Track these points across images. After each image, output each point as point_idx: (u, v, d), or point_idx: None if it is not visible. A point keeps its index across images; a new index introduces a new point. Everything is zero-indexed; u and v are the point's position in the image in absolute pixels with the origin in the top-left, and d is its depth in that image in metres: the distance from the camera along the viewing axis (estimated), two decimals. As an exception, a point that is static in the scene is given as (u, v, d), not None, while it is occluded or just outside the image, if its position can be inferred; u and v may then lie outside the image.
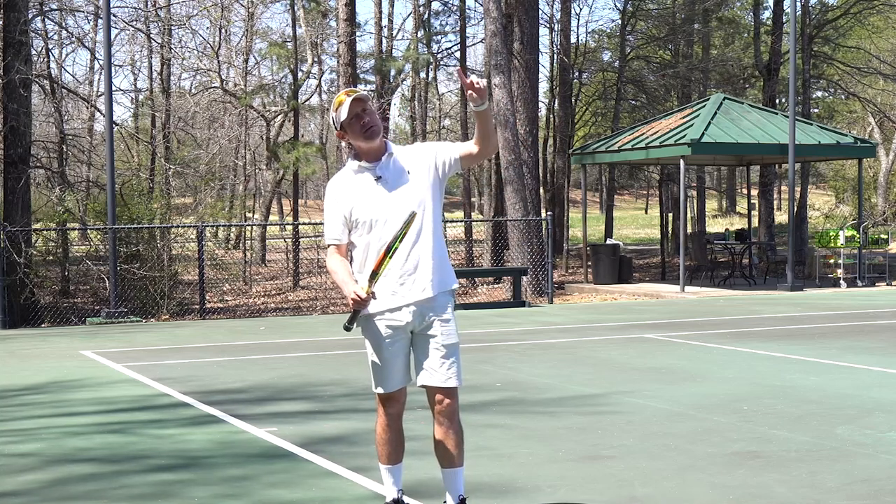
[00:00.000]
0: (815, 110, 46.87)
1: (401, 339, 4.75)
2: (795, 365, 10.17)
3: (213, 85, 32.28)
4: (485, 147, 4.75)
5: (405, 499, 5.03)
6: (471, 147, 4.79)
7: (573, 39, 34.19)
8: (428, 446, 6.21)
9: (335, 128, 4.75)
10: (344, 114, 4.64)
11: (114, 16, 24.67)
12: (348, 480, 5.86)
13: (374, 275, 4.56)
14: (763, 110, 23.35)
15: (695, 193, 35.07)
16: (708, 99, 23.56)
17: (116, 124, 26.21)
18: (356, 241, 4.75)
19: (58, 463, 6.46)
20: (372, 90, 36.85)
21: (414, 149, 4.87)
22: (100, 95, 33.31)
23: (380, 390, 4.80)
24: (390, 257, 4.56)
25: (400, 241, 4.56)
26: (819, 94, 47.63)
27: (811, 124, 23.09)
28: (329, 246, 4.78)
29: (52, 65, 31.37)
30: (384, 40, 31.38)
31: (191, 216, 23.28)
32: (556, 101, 33.23)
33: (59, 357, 11.74)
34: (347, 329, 4.68)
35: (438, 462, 4.88)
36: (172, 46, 30.72)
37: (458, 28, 33.52)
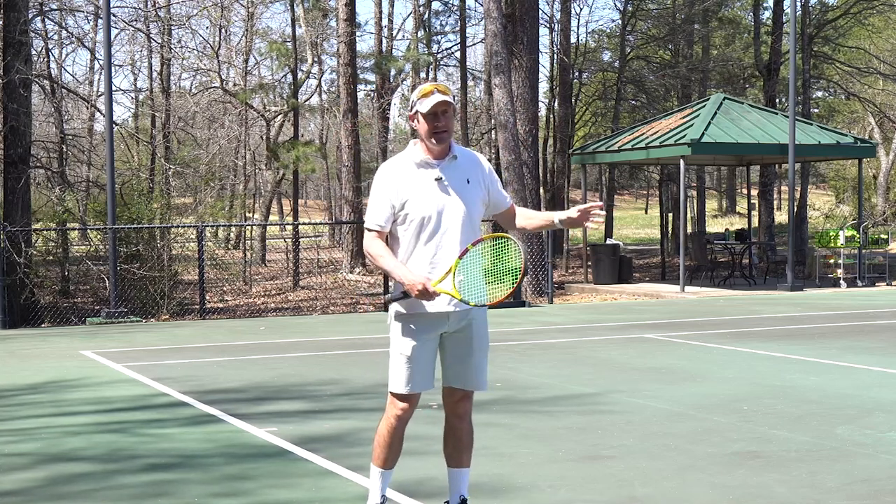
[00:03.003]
0: (815, 110, 46.89)
1: (434, 339, 4.69)
2: (795, 365, 10.17)
3: (213, 85, 32.28)
4: (520, 229, 4.98)
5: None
6: (513, 215, 4.92)
7: (573, 39, 34.21)
8: (427, 446, 6.22)
9: (410, 109, 4.71)
10: (426, 107, 4.59)
11: (114, 16, 24.67)
12: (347, 480, 5.85)
13: (445, 275, 4.52)
14: (763, 110, 23.34)
15: (695, 193, 35.07)
16: (708, 99, 23.55)
17: (116, 124, 26.22)
18: (400, 235, 4.67)
19: (57, 462, 6.45)
20: (372, 90, 36.86)
21: (475, 159, 4.84)
22: (100, 95, 33.31)
23: (406, 390, 4.66)
24: (459, 259, 4.53)
25: (472, 246, 4.56)
26: (819, 94, 47.65)
27: (811, 124, 23.08)
28: (370, 231, 4.66)
29: (52, 65, 31.41)
30: (384, 40, 31.40)
31: (191, 216, 23.27)
32: (556, 101, 33.23)
33: (58, 357, 11.73)
34: (388, 302, 4.62)
35: (446, 461, 4.85)
36: (172, 46, 30.73)
37: (458, 28, 33.53)
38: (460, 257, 4.53)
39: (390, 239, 4.70)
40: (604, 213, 4.78)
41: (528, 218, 4.96)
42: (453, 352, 4.72)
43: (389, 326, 4.77)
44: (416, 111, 4.65)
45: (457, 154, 4.73)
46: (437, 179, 4.65)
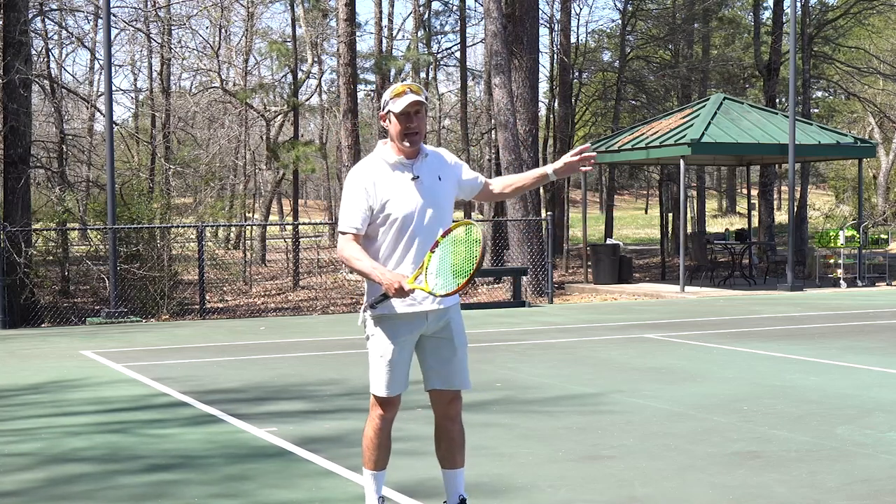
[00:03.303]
0: (815, 110, 46.90)
1: (413, 341, 4.69)
2: (795, 365, 10.17)
3: (213, 85, 32.29)
4: (506, 196, 5.01)
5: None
6: (493, 187, 4.96)
7: (573, 39, 34.20)
8: (427, 446, 6.21)
9: (382, 108, 4.68)
10: (399, 106, 4.58)
11: (114, 16, 24.68)
12: (348, 480, 5.85)
13: (418, 271, 4.50)
14: (763, 110, 23.34)
15: (695, 193, 35.08)
16: (708, 99, 23.55)
17: (116, 124, 26.22)
18: (379, 236, 4.64)
19: (57, 462, 6.45)
20: (372, 90, 36.85)
21: (443, 155, 4.84)
22: (100, 95, 33.33)
23: (386, 393, 4.67)
24: (431, 253, 4.52)
25: (442, 238, 4.54)
26: (819, 94, 47.66)
27: (811, 124, 23.08)
28: (346, 234, 4.61)
29: (52, 65, 31.41)
30: (384, 40, 31.41)
31: (191, 216, 23.28)
32: (556, 101, 33.23)
33: (58, 357, 11.73)
34: (371, 306, 4.61)
35: (440, 463, 4.85)
36: (172, 46, 30.74)
37: (458, 28, 33.53)
38: (432, 251, 4.53)
39: (365, 241, 4.65)
40: (594, 154, 4.80)
41: (510, 185, 4.96)
42: (436, 354, 4.71)
43: (365, 329, 4.74)
44: (389, 111, 4.63)
45: (427, 152, 4.74)
46: (413, 179, 4.65)
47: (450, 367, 4.71)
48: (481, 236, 4.46)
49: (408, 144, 4.63)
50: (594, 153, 4.82)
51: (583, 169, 4.81)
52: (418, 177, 4.65)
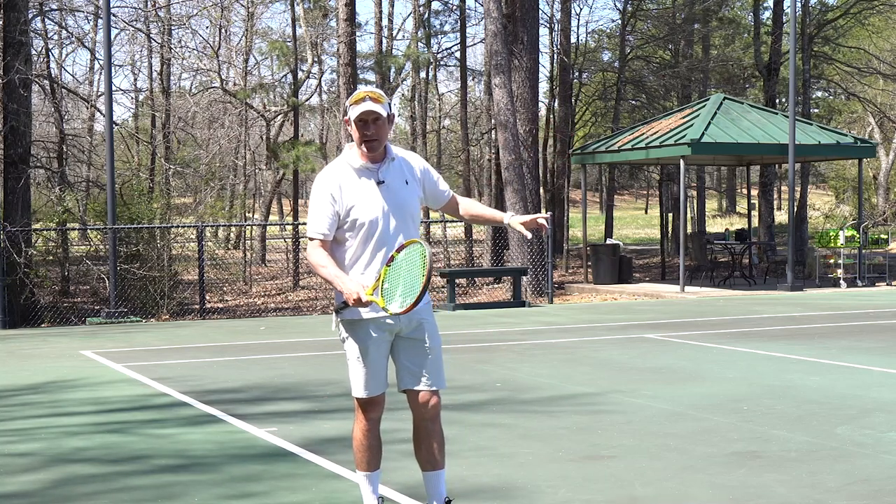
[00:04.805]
0: (815, 110, 46.88)
1: (387, 341, 4.71)
2: (796, 365, 10.17)
3: (213, 85, 32.27)
4: (462, 220, 5.17)
5: None
6: (456, 206, 5.05)
7: (573, 39, 34.19)
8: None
9: (344, 113, 4.76)
10: (354, 113, 4.61)
11: (114, 16, 24.68)
12: (349, 481, 5.85)
13: (376, 283, 4.53)
14: (763, 110, 23.34)
15: (695, 193, 35.08)
16: (708, 99, 23.55)
17: (116, 124, 26.21)
18: (347, 241, 4.67)
19: (57, 463, 6.45)
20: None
21: (411, 159, 4.86)
22: (100, 95, 33.32)
23: (364, 395, 4.71)
24: (387, 268, 4.53)
25: (397, 253, 4.55)
26: (819, 94, 47.65)
27: (811, 124, 23.08)
28: (314, 240, 4.65)
29: (52, 65, 31.40)
30: (384, 40, 31.39)
31: (191, 216, 23.28)
32: (556, 101, 33.22)
33: (58, 357, 11.73)
34: (336, 312, 4.64)
35: (421, 466, 4.83)
36: (172, 46, 30.72)
37: (458, 28, 33.53)
38: (388, 264, 4.54)
39: (335, 245, 4.68)
40: (548, 227, 4.96)
41: (472, 213, 5.07)
42: (411, 355, 4.72)
43: (339, 333, 4.77)
44: (349, 116, 4.65)
45: (394, 156, 4.75)
46: (379, 183, 4.67)
47: (425, 367, 4.71)
48: (428, 257, 4.46)
49: (366, 150, 4.66)
50: (548, 226, 4.95)
51: (527, 234, 4.93)
52: (383, 181, 4.68)
